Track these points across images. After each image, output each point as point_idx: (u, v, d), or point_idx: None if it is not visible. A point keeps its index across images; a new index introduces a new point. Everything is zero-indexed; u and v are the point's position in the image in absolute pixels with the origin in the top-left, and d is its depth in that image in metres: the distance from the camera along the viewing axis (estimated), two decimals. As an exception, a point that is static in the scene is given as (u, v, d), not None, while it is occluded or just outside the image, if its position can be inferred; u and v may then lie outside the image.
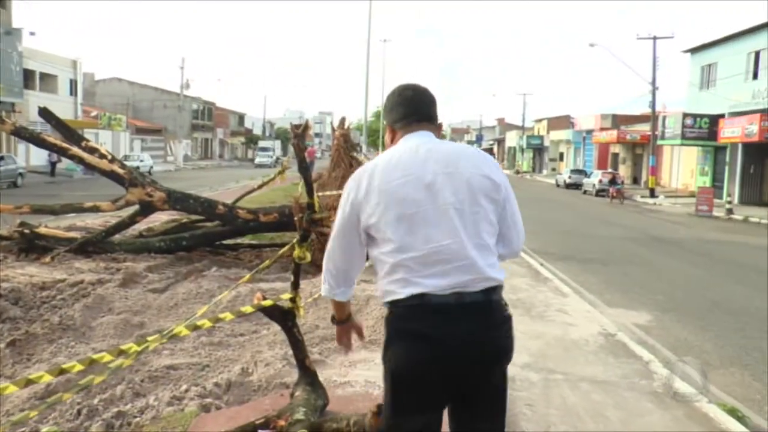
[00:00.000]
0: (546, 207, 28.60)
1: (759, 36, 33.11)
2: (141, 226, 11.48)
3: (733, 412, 5.17)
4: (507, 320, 2.62)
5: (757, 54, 33.44)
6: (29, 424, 4.33)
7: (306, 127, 3.32)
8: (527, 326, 7.56)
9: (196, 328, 3.29)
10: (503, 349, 2.62)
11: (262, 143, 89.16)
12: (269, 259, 4.96)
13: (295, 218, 9.42)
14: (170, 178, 40.24)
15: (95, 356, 2.88)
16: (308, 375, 4.08)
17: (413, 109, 2.74)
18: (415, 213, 2.52)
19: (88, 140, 10.26)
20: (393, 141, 2.77)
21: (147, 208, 9.78)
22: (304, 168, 3.66)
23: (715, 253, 16.20)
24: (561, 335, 7.34)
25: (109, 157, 10.03)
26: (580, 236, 18.42)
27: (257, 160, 72.74)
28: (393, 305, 2.57)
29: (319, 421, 3.34)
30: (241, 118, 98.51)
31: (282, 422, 3.38)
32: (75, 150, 9.70)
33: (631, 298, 10.02)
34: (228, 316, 3.52)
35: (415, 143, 2.65)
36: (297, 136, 3.32)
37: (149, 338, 3.21)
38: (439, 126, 2.81)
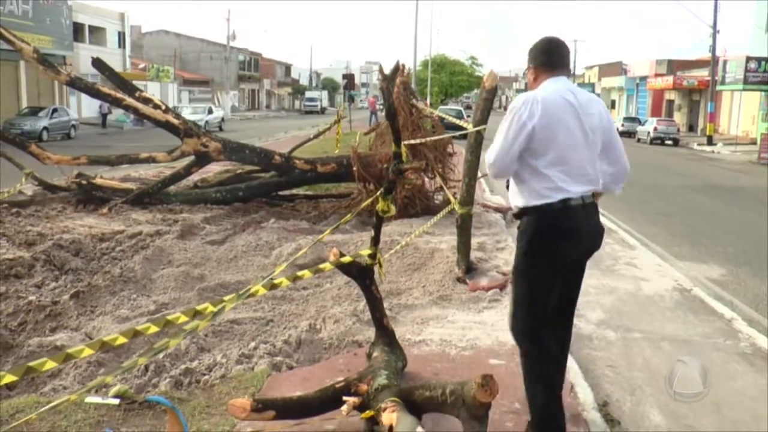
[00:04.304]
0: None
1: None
2: (195, 177, 11.39)
3: (832, 376, 4.83)
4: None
5: (828, -8, 31.62)
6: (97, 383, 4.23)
7: (397, 69, 3.04)
8: (598, 280, 7.24)
9: (274, 287, 3.09)
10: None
11: (309, 93, 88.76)
12: (351, 213, 4.72)
13: (354, 168, 9.25)
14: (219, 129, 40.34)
15: (170, 317, 2.70)
16: (386, 335, 3.87)
17: (558, 57, 3.50)
18: (567, 137, 3.30)
19: (141, 91, 10.11)
20: (536, 80, 3.49)
21: (202, 159, 9.64)
22: (392, 115, 3.37)
23: (784, 203, 15.52)
24: (634, 290, 7.02)
25: (163, 107, 9.89)
26: (638, 186, 17.79)
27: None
28: (547, 206, 3.31)
29: (409, 387, 3.13)
30: (287, 68, 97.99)
31: (364, 386, 3.18)
32: (129, 100, 9.57)
33: (699, 250, 9.57)
34: (306, 273, 3.31)
35: (563, 86, 3.40)
36: (386, 79, 3.04)
37: (225, 298, 3.02)
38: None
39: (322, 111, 77.68)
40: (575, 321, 5.86)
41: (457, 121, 8.09)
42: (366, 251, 3.58)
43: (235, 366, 4.31)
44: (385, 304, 5.64)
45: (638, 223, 11.50)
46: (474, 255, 6.91)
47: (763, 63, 34.37)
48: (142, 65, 54.76)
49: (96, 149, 19.91)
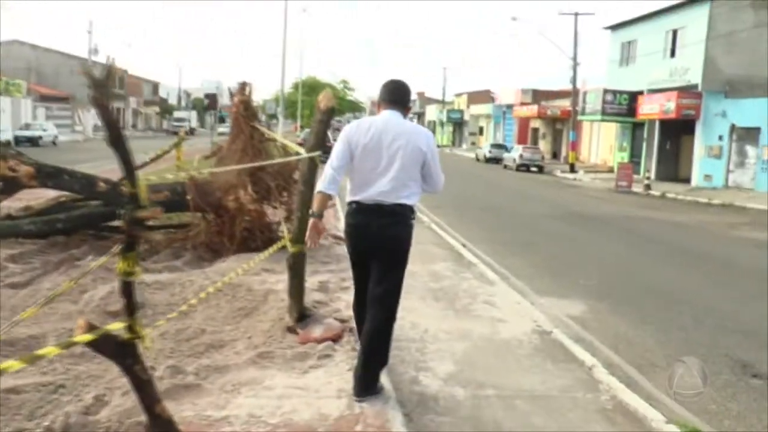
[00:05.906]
0: (467, 182, 27.96)
1: (677, 14, 33.19)
2: (17, 204, 9.98)
3: (695, 435, 4.34)
4: (406, 220, 4.37)
5: (675, 32, 33.52)
6: None
7: (110, 71, 2.19)
8: (451, 323, 6.60)
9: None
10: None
11: (177, 113, 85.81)
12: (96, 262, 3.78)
13: (189, 197, 8.26)
14: (77, 149, 37.76)
15: None
16: (160, 424, 2.98)
17: (390, 95, 4.47)
18: (370, 157, 4.26)
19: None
20: (378, 112, 4.48)
21: (11, 185, 8.32)
22: (116, 137, 2.45)
23: (640, 230, 15.78)
24: (490, 335, 6.41)
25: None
26: (503, 214, 17.72)
27: None
28: (349, 204, 4.38)
29: None
30: (155, 86, 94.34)
31: None
32: None
33: (561, 284, 9.23)
34: (15, 365, 2.36)
35: (386, 117, 4.40)
36: (98, 87, 2.16)
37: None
38: (408, 108, 4.55)
39: (191, 132, 75.10)
40: (419, 377, 5.20)
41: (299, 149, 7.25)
42: (117, 324, 2.69)
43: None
44: (195, 365, 4.72)
45: (501, 254, 11.11)
46: (312, 297, 6.08)
47: (618, 95, 36.05)
48: (-9, 77, 50.82)
49: None
